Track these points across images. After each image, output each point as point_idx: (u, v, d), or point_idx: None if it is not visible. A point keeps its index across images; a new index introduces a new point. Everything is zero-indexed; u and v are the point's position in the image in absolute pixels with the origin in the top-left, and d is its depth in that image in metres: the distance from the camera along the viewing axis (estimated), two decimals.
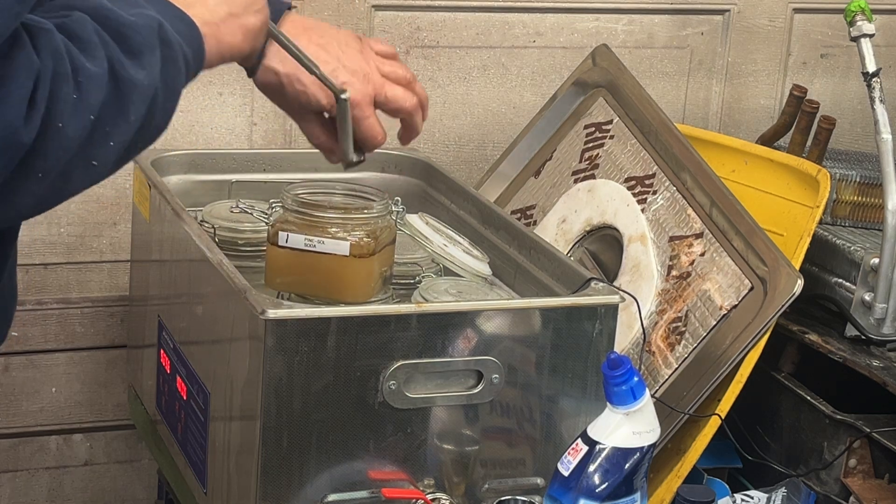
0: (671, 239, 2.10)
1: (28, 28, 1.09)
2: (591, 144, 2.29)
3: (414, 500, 1.67)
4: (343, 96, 1.50)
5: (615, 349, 1.72)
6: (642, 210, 2.15)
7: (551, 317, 1.70)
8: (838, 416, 2.04)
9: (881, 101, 2.16)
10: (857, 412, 2.05)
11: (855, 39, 2.18)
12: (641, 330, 2.01)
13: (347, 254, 1.70)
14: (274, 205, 1.80)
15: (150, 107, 1.17)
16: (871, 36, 2.18)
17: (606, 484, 1.55)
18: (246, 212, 1.86)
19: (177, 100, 1.22)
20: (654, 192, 2.15)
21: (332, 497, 1.64)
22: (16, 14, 1.06)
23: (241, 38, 1.32)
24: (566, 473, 1.56)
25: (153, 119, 1.18)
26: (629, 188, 2.18)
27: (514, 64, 2.54)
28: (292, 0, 1.72)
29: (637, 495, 1.58)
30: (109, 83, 1.12)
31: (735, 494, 2.04)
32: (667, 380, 2.00)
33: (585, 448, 1.56)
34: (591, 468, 1.55)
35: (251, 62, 1.42)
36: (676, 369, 2.00)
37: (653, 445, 1.58)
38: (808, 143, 2.33)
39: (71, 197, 1.17)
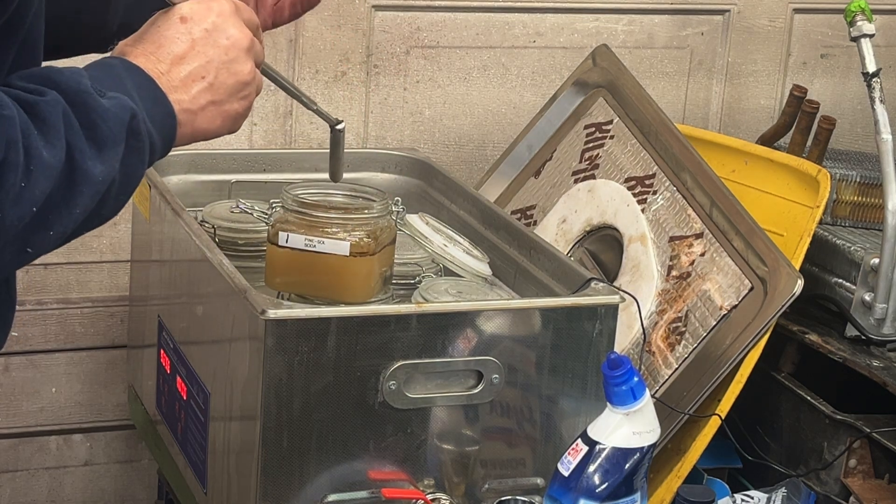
0: (671, 239, 2.10)
1: (2, 102, 1.08)
2: (591, 144, 2.29)
3: (414, 500, 1.67)
4: (338, 127, 1.57)
5: (615, 349, 1.72)
6: (642, 210, 2.14)
7: (551, 317, 1.70)
8: (838, 416, 2.04)
9: (881, 101, 2.16)
10: (857, 412, 2.05)
11: (855, 39, 2.18)
12: (641, 330, 2.01)
13: (347, 254, 1.70)
14: (274, 205, 1.80)
15: (100, 200, 1.15)
16: (871, 36, 2.18)
17: (606, 484, 1.55)
18: (246, 212, 1.86)
19: (133, 190, 1.21)
20: (655, 193, 2.15)
21: (332, 497, 1.64)
22: None
23: (219, 124, 1.30)
24: (566, 473, 1.56)
25: (101, 210, 1.17)
26: (629, 188, 2.18)
27: (514, 64, 2.54)
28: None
29: (637, 495, 1.58)
30: (62, 173, 1.11)
31: (735, 494, 2.04)
32: (667, 380, 2.00)
33: (585, 448, 1.56)
34: (591, 468, 1.55)
35: None
36: (676, 369, 2.00)
37: (653, 445, 1.58)
38: (808, 143, 2.33)
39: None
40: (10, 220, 1.08)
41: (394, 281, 1.81)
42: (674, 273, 2.07)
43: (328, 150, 1.65)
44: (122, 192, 1.18)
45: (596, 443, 1.56)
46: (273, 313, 1.58)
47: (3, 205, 1.07)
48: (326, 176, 2.01)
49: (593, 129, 2.30)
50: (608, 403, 1.57)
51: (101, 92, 1.17)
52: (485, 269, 1.90)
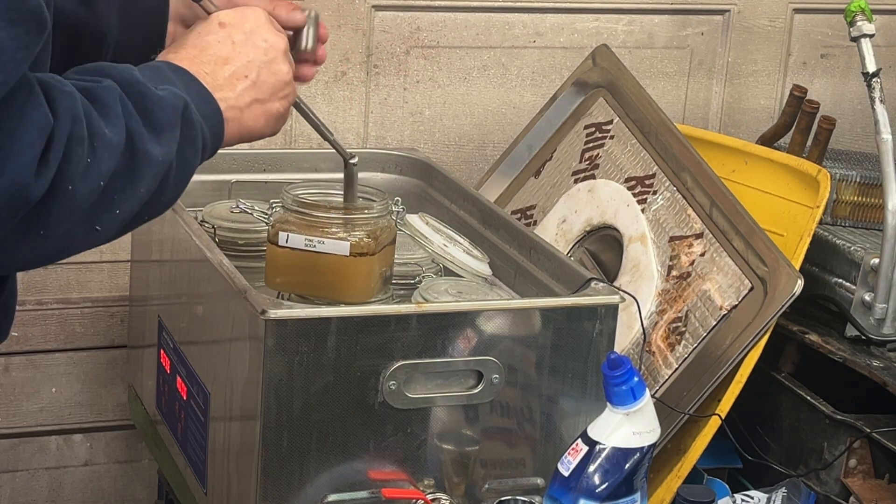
0: (671, 239, 2.10)
1: (46, 87, 1.10)
2: (591, 144, 2.29)
3: (414, 500, 1.67)
4: (352, 161, 1.63)
5: (615, 349, 1.72)
6: (642, 210, 2.15)
7: (551, 317, 1.70)
8: (838, 416, 2.04)
9: (881, 101, 2.16)
10: (857, 412, 2.05)
11: (855, 39, 2.18)
12: (641, 330, 2.01)
13: (347, 254, 1.70)
14: (274, 205, 1.80)
15: (161, 182, 1.18)
16: (871, 36, 2.18)
17: (606, 484, 1.55)
18: (246, 212, 1.86)
19: (189, 179, 1.24)
20: (655, 193, 2.15)
21: (332, 497, 1.64)
22: (18, 60, 1.06)
23: (263, 123, 1.34)
24: (566, 473, 1.56)
25: (163, 194, 1.20)
26: (629, 188, 2.18)
27: (514, 64, 2.54)
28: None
29: (637, 495, 1.58)
30: (125, 153, 1.14)
31: (735, 494, 2.04)
32: (667, 380, 2.00)
33: (585, 448, 1.56)
34: (591, 468, 1.55)
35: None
36: (676, 369, 2.00)
37: (653, 445, 1.58)
38: (809, 143, 2.33)
39: (63, 258, 1.17)
40: (80, 193, 1.10)
41: (394, 281, 1.81)
42: (674, 273, 2.07)
43: (329, 151, 1.65)
44: (179, 178, 1.21)
45: (596, 443, 1.56)
46: (273, 313, 1.58)
47: (73, 178, 1.09)
48: (327, 176, 2.02)
49: (593, 129, 2.30)
50: (608, 403, 1.57)
51: (154, 85, 1.20)
52: (485, 269, 1.90)
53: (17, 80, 1.06)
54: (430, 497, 1.67)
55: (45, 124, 1.07)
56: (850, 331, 2.14)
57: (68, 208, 1.10)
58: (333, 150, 1.64)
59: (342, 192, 1.73)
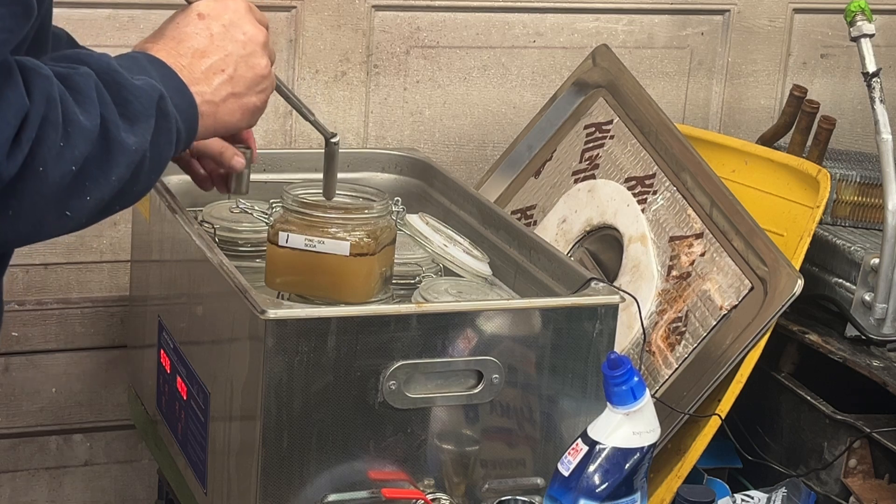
0: (671, 239, 2.10)
1: (24, 70, 1.10)
2: (591, 144, 2.29)
3: (414, 500, 1.67)
4: (333, 140, 1.62)
5: (615, 349, 1.72)
6: (642, 210, 2.15)
7: (551, 317, 1.70)
8: (838, 416, 2.04)
9: (881, 101, 2.16)
10: (857, 412, 2.05)
11: (855, 39, 2.18)
12: (641, 330, 2.01)
13: (347, 254, 1.70)
14: (274, 205, 1.80)
15: (134, 171, 1.18)
16: (871, 36, 2.18)
17: (606, 484, 1.55)
18: (246, 212, 1.86)
19: (161, 170, 1.24)
20: (655, 193, 2.15)
21: (332, 497, 1.64)
22: (2, 42, 1.06)
23: (238, 117, 1.34)
24: (566, 473, 1.56)
25: (135, 184, 1.20)
26: (629, 188, 2.18)
27: (514, 64, 2.54)
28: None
29: (637, 495, 1.58)
30: (98, 140, 1.14)
31: (735, 494, 2.04)
32: (667, 380, 2.00)
33: (585, 448, 1.56)
34: (592, 468, 1.55)
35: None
36: (676, 369, 2.00)
37: (653, 445, 1.58)
38: (808, 143, 2.33)
39: (36, 241, 1.17)
40: (52, 176, 1.10)
41: (394, 281, 1.81)
42: (674, 273, 2.07)
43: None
44: (152, 169, 1.21)
45: (596, 443, 1.56)
46: (273, 313, 1.58)
47: (45, 160, 1.09)
48: None
49: (593, 129, 2.30)
50: (608, 403, 1.57)
51: (130, 75, 1.21)
52: (485, 269, 1.90)
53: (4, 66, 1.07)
54: (430, 497, 1.67)
55: (20, 106, 1.07)
56: (850, 331, 2.14)
57: (39, 191, 1.10)
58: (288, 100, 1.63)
59: (348, 193, 1.73)
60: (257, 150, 1.62)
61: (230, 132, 1.36)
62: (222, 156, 1.59)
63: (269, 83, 1.36)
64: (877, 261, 2.12)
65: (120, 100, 1.17)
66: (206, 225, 1.92)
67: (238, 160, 1.58)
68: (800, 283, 1.95)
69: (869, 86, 2.16)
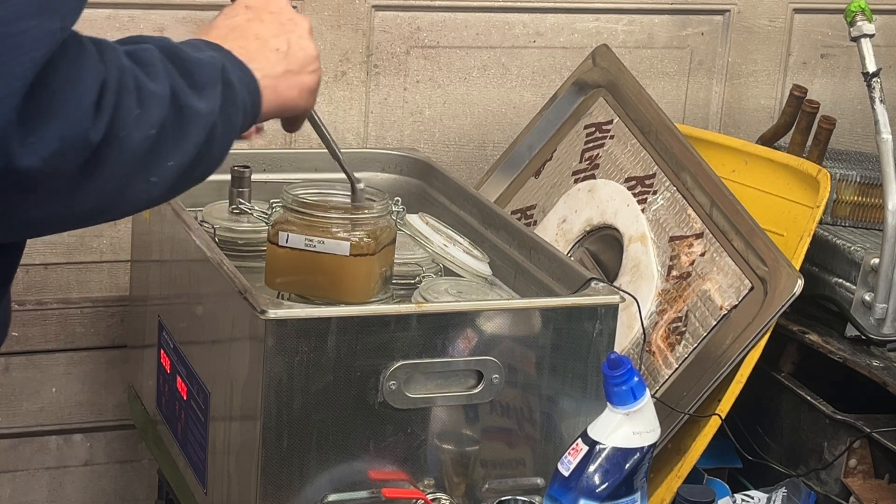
0: (671, 239, 2.10)
1: (95, 42, 1.13)
2: (591, 144, 2.29)
3: (414, 500, 1.67)
4: (359, 186, 1.69)
5: (615, 349, 1.72)
6: (642, 210, 2.15)
7: (551, 317, 1.70)
8: (838, 416, 2.04)
9: (881, 101, 2.16)
10: (857, 412, 2.05)
11: (855, 39, 2.18)
12: (641, 330, 2.01)
13: (348, 254, 1.70)
14: (274, 205, 1.80)
15: (209, 135, 1.21)
16: (871, 36, 2.18)
17: (607, 484, 1.55)
18: (246, 212, 1.86)
19: (233, 138, 1.26)
20: (655, 193, 2.15)
21: (332, 497, 1.64)
22: (75, 9, 1.10)
23: (297, 94, 1.37)
24: (566, 473, 1.56)
25: (212, 148, 1.22)
26: (629, 188, 2.18)
27: (514, 64, 2.54)
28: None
29: (637, 495, 1.58)
30: (170, 106, 1.17)
31: (735, 494, 2.04)
32: (667, 380, 2.00)
33: (585, 448, 1.56)
34: (592, 468, 1.55)
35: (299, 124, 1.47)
36: (676, 369, 2.00)
37: (653, 445, 1.58)
38: (809, 143, 2.33)
39: (127, 211, 1.20)
40: (133, 141, 1.13)
41: (394, 281, 1.81)
42: (674, 273, 2.07)
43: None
44: (225, 137, 1.24)
45: (596, 443, 1.56)
46: (273, 313, 1.58)
47: (126, 125, 1.12)
48: (327, 176, 2.02)
49: (593, 129, 2.30)
50: (608, 403, 1.57)
51: (190, 51, 1.24)
52: (485, 269, 1.90)
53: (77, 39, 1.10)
54: (430, 497, 1.67)
55: (98, 71, 1.10)
56: (850, 331, 2.14)
57: (123, 155, 1.13)
58: (327, 145, 1.64)
59: (347, 193, 1.74)
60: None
61: (293, 112, 1.39)
62: None
63: (319, 66, 1.40)
64: (877, 261, 2.12)
65: (184, 71, 1.20)
66: (206, 225, 1.92)
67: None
68: (800, 283, 1.95)
69: (869, 86, 2.16)
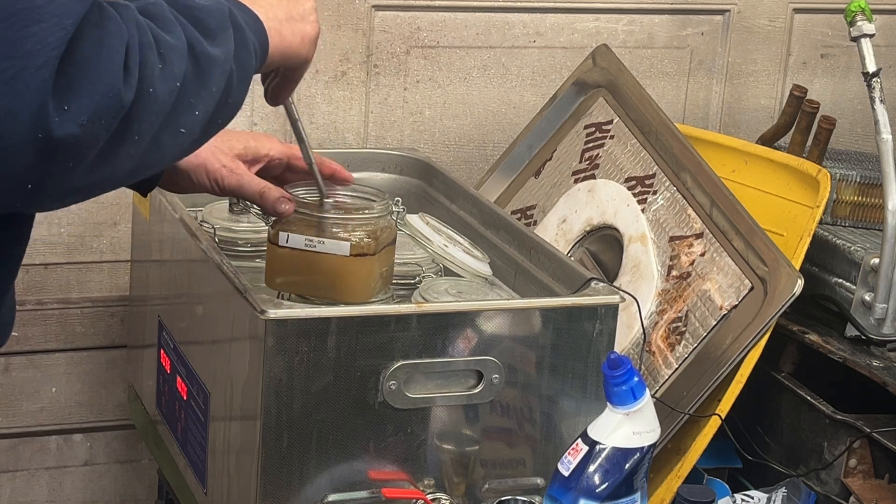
0: (671, 239, 2.10)
1: (111, 4, 1.15)
2: (591, 144, 2.29)
3: (414, 500, 1.67)
4: (327, 201, 1.68)
5: (615, 349, 1.72)
6: (642, 210, 2.15)
7: (551, 317, 1.70)
8: (838, 416, 2.04)
9: (881, 101, 2.16)
10: (857, 412, 2.05)
11: (855, 39, 2.18)
12: (641, 330, 2.01)
13: (348, 254, 1.70)
14: None
15: (227, 80, 1.23)
16: (871, 36, 2.18)
17: (607, 484, 1.55)
18: (246, 211, 1.86)
19: (249, 82, 1.28)
20: (655, 193, 2.15)
21: (332, 497, 1.64)
22: None
23: (299, 41, 1.39)
24: (566, 473, 1.56)
25: (230, 94, 1.24)
26: (629, 188, 2.18)
27: (514, 64, 2.54)
28: None
29: (637, 495, 1.58)
30: (189, 57, 1.19)
31: (735, 494, 2.04)
32: (667, 380, 2.00)
33: (585, 448, 1.56)
34: (592, 468, 1.55)
35: (296, 78, 1.47)
36: (676, 369, 2.00)
37: (653, 445, 1.58)
38: (809, 143, 2.33)
39: (161, 165, 1.22)
40: (161, 95, 1.15)
41: (394, 281, 1.81)
42: (674, 273, 2.07)
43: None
44: (241, 81, 1.26)
45: (596, 443, 1.56)
46: (273, 313, 1.58)
47: (152, 81, 1.14)
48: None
49: (593, 129, 2.30)
50: (608, 403, 1.57)
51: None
52: (485, 269, 1.90)
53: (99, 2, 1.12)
54: (430, 497, 1.67)
55: (122, 33, 1.12)
56: (850, 331, 2.14)
57: (154, 111, 1.15)
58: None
59: (347, 193, 1.74)
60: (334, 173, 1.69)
61: (295, 61, 1.40)
62: (262, 197, 1.64)
63: (317, 18, 1.42)
64: (877, 261, 2.12)
65: (195, 20, 1.22)
66: (206, 225, 1.92)
67: (285, 206, 1.64)
68: (800, 283, 1.95)
69: (869, 86, 2.16)
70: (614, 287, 1.86)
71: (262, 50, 1.31)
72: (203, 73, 1.20)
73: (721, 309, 2.00)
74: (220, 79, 1.22)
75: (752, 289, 1.99)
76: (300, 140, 1.65)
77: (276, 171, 1.74)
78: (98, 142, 1.11)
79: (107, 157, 1.13)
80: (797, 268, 1.99)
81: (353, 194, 1.79)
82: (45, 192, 1.11)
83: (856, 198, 2.30)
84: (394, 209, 1.79)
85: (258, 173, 1.70)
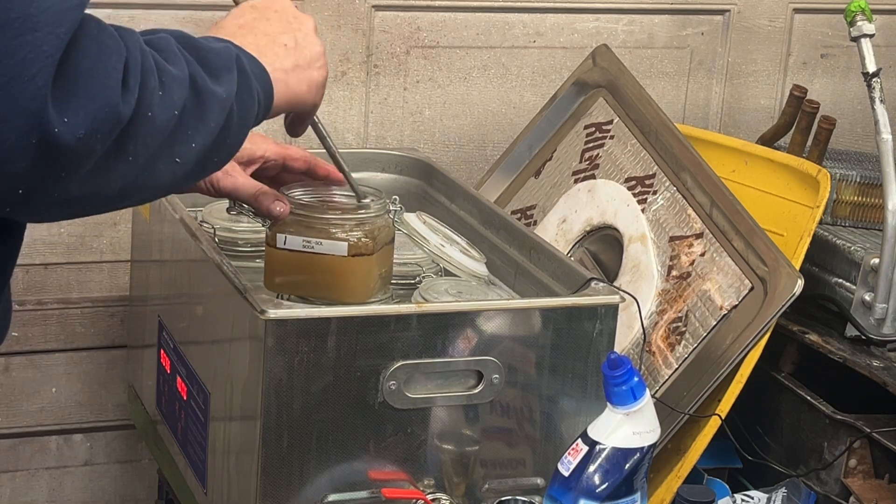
0: (671, 239, 2.10)
1: (113, 26, 1.16)
2: (591, 144, 2.29)
3: (414, 501, 1.67)
4: (364, 200, 1.69)
5: (615, 349, 1.72)
6: (642, 210, 2.14)
7: (551, 317, 1.70)
8: (838, 416, 2.04)
9: (881, 101, 2.16)
10: (857, 412, 2.05)
11: (855, 39, 2.18)
12: (641, 330, 2.01)
13: (346, 254, 1.70)
14: None
15: (227, 119, 1.23)
16: (871, 36, 2.18)
17: (607, 484, 1.55)
18: (243, 213, 1.86)
19: (249, 127, 1.28)
20: (655, 193, 2.15)
21: (332, 497, 1.64)
22: None
23: (306, 89, 1.39)
24: (566, 473, 1.56)
25: (229, 132, 1.24)
26: (629, 188, 2.18)
27: (514, 64, 2.54)
28: None
29: (637, 495, 1.58)
30: (190, 89, 1.19)
31: (735, 494, 2.04)
32: (667, 380, 2.00)
33: (585, 448, 1.56)
34: (592, 468, 1.55)
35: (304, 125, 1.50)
36: (676, 369, 2.00)
37: (653, 445, 1.58)
38: (809, 143, 2.33)
39: (152, 193, 1.22)
40: (158, 120, 1.15)
41: (394, 281, 1.81)
42: (674, 273, 2.07)
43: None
44: (241, 124, 1.26)
45: (596, 443, 1.56)
46: (273, 313, 1.58)
47: (151, 105, 1.14)
48: None
49: (593, 129, 2.30)
50: (608, 403, 1.57)
51: (204, 41, 1.27)
52: (481, 269, 1.90)
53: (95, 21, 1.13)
54: (430, 497, 1.67)
55: (121, 50, 1.13)
56: (850, 331, 2.14)
57: (151, 134, 1.15)
58: (329, 152, 1.65)
59: (345, 194, 1.74)
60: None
61: (302, 107, 1.41)
62: (257, 199, 1.64)
63: (326, 62, 1.42)
64: (877, 261, 2.12)
65: (200, 58, 1.23)
66: (206, 225, 1.92)
67: (280, 208, 1.64)
68: (800, 283, 1.95)
69: (869, 86, 2.16)
70: (614, 287, 1.86)
71: (266, 98, 1.32)
72: (203, 107, 1.20)
73: (721, 309, 2.00)
74: (220, 115, 1.22)
75: (752, 289, 1.99)
76: (332, 155, 1.66)
77: (272, 173, 1.73)
78: (93, 154, 1.11)
79: (100, 171, 1.13)
80: (797, 268, 1.99)
81: (350, 194, 1.79)
82: (35, 198, 1.11)
83: (856, 198, 2.30)
84: (391, 208, 1.78)
85: (254, 175, 1.70)
